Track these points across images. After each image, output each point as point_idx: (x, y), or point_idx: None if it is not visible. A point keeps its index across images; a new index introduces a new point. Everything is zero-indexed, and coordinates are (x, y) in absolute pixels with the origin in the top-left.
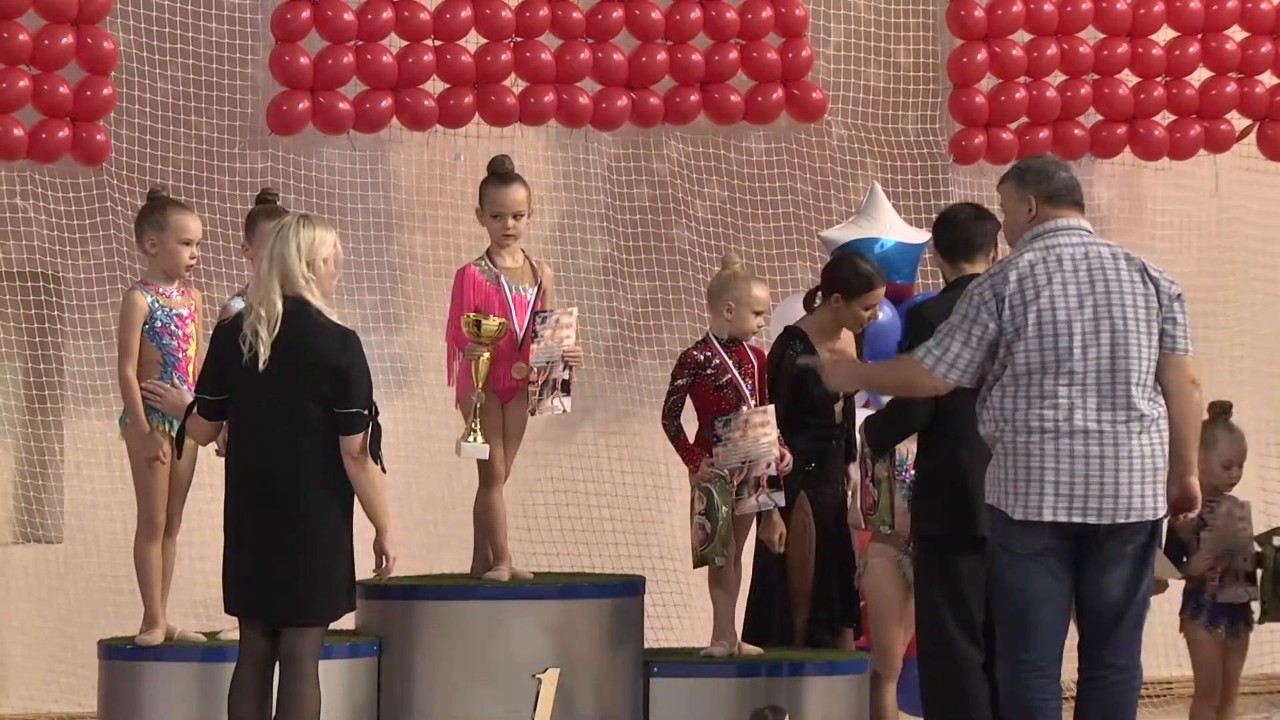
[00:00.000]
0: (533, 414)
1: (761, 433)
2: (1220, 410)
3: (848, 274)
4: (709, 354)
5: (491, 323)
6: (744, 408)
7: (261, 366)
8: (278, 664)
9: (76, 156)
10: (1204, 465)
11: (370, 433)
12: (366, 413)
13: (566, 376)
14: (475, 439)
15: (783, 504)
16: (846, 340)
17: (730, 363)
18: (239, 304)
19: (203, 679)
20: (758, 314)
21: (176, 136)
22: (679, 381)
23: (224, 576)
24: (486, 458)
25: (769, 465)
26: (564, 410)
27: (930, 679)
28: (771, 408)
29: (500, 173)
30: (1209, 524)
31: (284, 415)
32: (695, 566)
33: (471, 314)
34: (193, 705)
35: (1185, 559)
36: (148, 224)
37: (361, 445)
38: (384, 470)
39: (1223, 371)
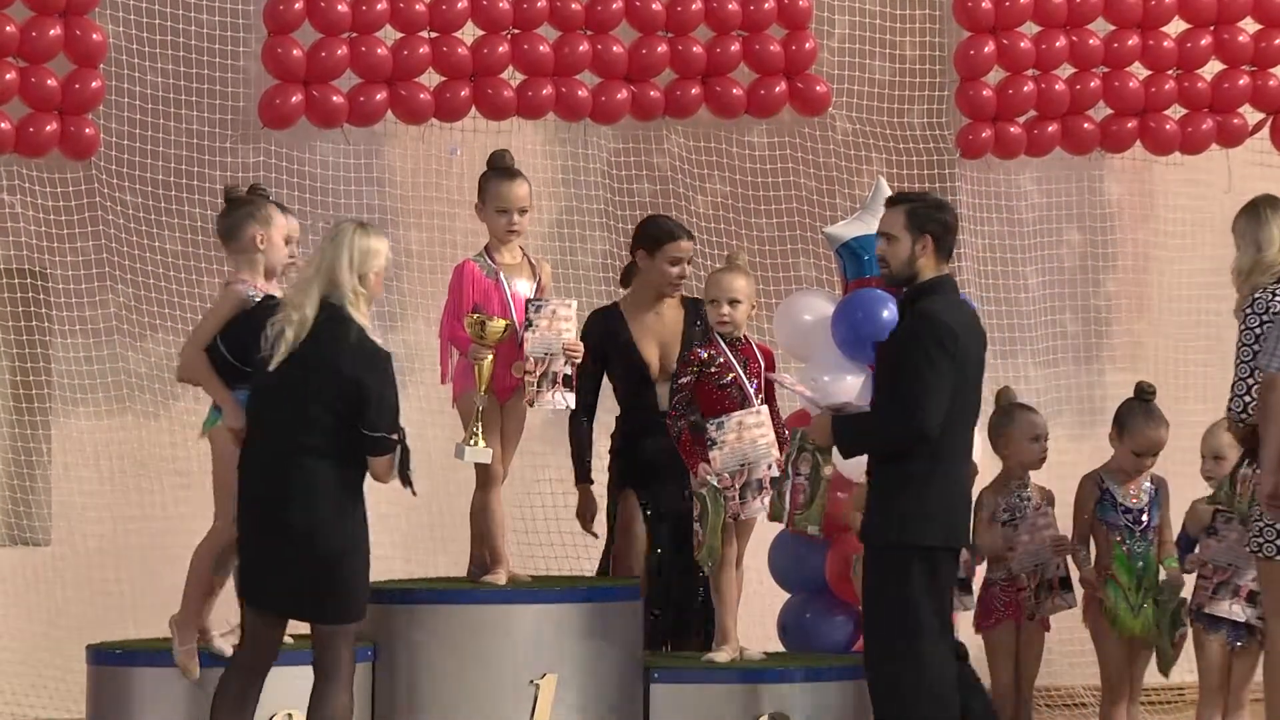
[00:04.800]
0: (531, 405)
1: (758, 434)
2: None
3: (649, 228)
4: (713, 353)
5: (497, 324)
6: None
7: (272, 367)
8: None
9: (65, 151)
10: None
11: (399, 455)
12: (394, 437)
13: (569, 372)
14: (477, 442)
15: None
16: (672, 319)
17: (735, 362)
18: None
19: (191, 683)
20: (716, 302)
21: (167, 130)
22: (683, 379)
23: (240, 565)
24: (489, 461)
25: (770, 466)
26: (567, 406)
27: (900, 685)
28: (765, 408)
29: (505, 167)
30: (1219, 533)
31: (291, 423)
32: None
33: (476, 315)
34: (182, 710)
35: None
36: (256, 220)
37: (387, 468)
38: (414, 494)
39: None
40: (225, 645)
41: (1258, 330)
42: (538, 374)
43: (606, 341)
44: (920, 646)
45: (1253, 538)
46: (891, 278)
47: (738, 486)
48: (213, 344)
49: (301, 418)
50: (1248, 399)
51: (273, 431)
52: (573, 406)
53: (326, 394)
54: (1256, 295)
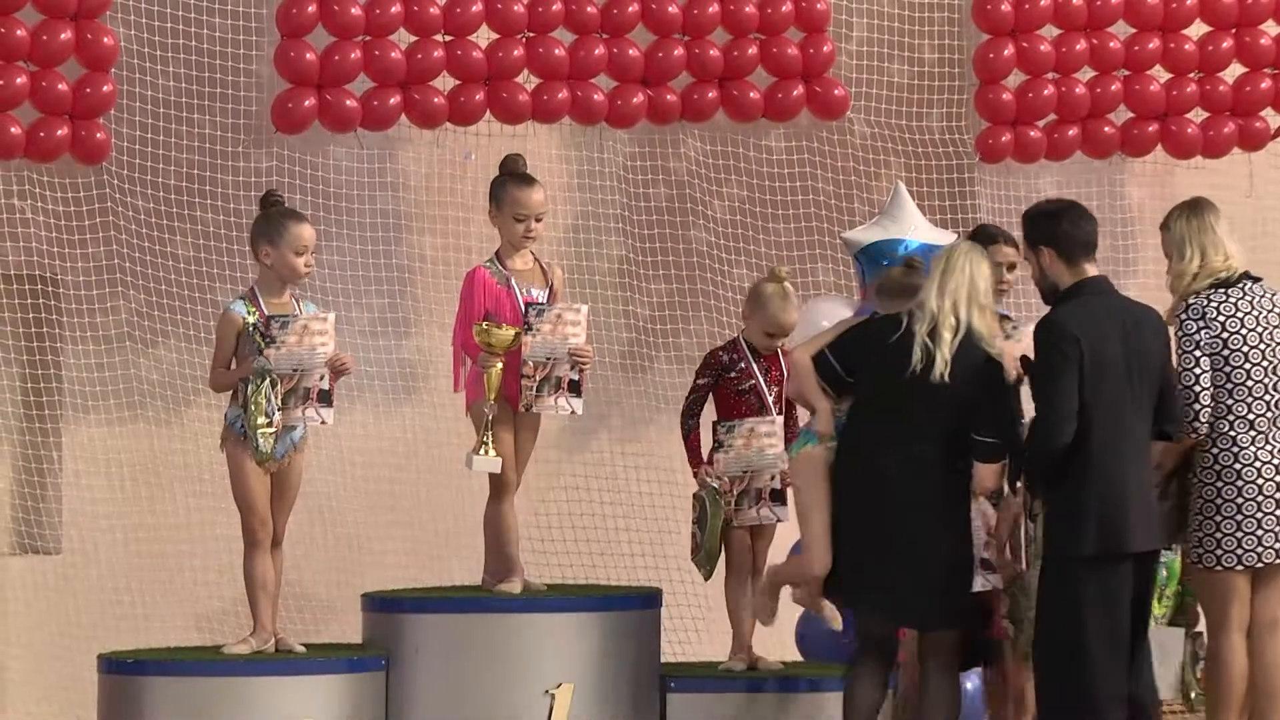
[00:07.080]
0: (528, 409)
1: (767, 443)
2: None
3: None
4: (735, 357)
5: (504, 332)
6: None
7: (937, 378)
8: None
9: (76, 155)
10: None
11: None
12: (1003, 443)
13: (576, 377)
14: (487, 452)
15: (786, 519)
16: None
17: (756, 369)
18: (240, 308)
19: (203, 692)
20: (773, 335)
21: (179, 135)
22: (701, 380)
23: (843, 567)
24: (498, 471)
25: (773, 478)
26: (573, 412)
27: (1063, 698)
28: (780, 419)
29: (521, 173)
30: None
31: (911, 432)
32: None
33: (485, 323)
34: (193, 719)
35: None
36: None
37: (994, 474)
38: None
39: None
40: (235, 651)
41: (1197, 337)
42: (537, 378)
43: None
44: (1087, 659)
45: (1192, 548)
46: (1045, 299)
47: (735, 493)
48: (821, 354)
49: (923, 427)
50: (1197, 408)
51: (890, 441)
52: (579, 412)
53: (949, 404)
54: (1191, 302)
